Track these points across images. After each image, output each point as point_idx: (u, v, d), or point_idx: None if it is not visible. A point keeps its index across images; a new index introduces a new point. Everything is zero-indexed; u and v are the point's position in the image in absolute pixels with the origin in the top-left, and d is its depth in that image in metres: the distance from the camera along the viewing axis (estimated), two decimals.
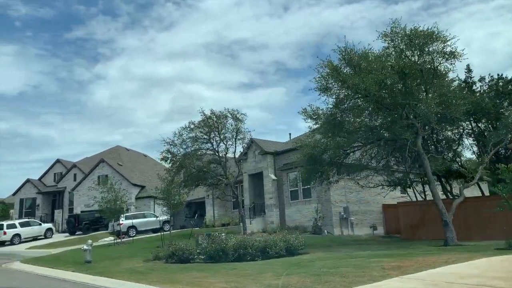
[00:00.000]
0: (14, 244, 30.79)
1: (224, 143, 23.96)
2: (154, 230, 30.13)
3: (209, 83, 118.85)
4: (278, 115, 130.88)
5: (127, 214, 26.96)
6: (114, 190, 22.97)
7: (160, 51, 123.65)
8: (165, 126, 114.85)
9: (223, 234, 13.61)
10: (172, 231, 30.35)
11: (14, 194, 45.29)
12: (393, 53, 16.01)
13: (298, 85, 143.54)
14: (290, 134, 68.98)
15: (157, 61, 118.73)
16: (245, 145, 26.69)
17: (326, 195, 23.47)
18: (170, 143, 23.59)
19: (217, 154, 24.36)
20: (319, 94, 16.03)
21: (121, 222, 28.06)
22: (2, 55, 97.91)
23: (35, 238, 33.02)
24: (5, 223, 32.14)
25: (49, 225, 35.51)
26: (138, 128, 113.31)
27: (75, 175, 43.50)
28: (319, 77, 15.70)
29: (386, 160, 16.23)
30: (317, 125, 17.89)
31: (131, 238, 26.26)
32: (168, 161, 23.87)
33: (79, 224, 34.88)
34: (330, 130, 16.31)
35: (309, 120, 17.90)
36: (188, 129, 24.12)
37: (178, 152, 23.77)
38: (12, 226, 31.68)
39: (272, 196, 25.57)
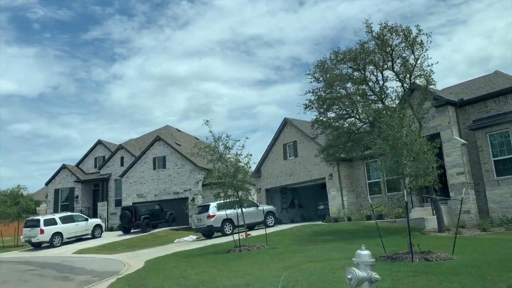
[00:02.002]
0: (54, 246, 22.36)
1: (399, 81, 14.37)
2: (251, 226, 20.83)
3: (225, 81, 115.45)
4: (295, 111, 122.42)
5: (218, 202, 17.62)
6: (236, 155, 13.59)
7: (176, 50, 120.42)
8: (183, 124, 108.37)
9: None
10: (273, 226, 21.29)
11: (47, 183, 36.77)
12: None
13: None
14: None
15: (173, 59, 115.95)
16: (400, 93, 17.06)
17: None
18: (319, 77, 14.12)
19: (382, 101, 14.88)
20: None
21: (212, 213, 19.01)
22: (23, 57, 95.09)
23: (79, 238, 24.50)
24: (41, 217, 23.52)
25: (98, 220, 26.86)
26: (157, 127, 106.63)
27: (122, 158, 34.73)
28: None
29: None
30: None
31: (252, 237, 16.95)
32: (315, 108, 14.47)
33: (136, 219, 26.13)
34: None
35: None
36: (333, 60, 14.73)
37: (325, 95, 14.37)
38: (52, 222, 23.05)
39: (463, 170, 16.00)
